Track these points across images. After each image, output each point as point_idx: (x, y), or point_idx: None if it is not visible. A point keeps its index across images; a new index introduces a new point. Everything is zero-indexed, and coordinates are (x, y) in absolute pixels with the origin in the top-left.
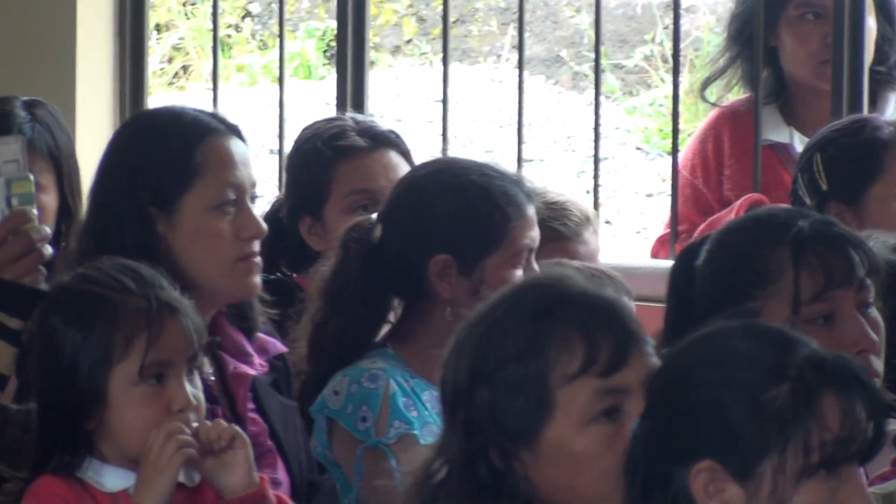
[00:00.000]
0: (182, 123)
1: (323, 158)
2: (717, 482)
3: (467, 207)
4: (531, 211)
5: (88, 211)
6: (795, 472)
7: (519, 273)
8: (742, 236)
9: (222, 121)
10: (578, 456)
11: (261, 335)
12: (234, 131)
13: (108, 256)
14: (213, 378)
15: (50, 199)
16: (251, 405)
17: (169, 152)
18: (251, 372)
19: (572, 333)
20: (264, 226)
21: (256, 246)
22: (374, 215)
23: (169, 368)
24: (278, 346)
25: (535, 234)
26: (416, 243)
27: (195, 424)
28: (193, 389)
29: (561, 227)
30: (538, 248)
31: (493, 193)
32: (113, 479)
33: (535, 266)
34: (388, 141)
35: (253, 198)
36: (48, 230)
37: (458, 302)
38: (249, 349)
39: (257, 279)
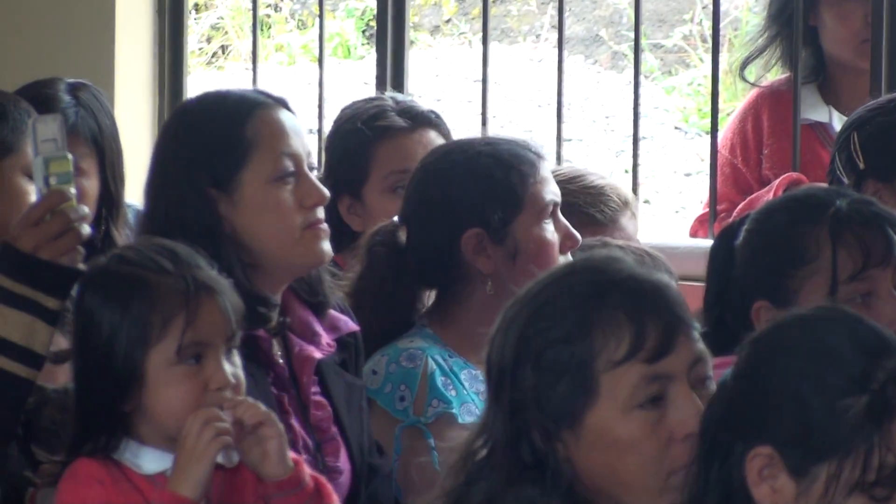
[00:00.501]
0: (228, 103)
1: (363, 138)
2: (772, 468)
3: (483, 176)
4: (545, 168)
5: (146, 206)
6: (849, 483)
7: (550, 228)
8: (780, 216)
9: (268, 95)
10: (621, 441)
11: (333, 312)
12: (282, 103)
13: (145, 236)
14: (281, 361)
15: (91, 184)
16: (316, 388)
17: (220, 132)
18: (316, 355)
19: (620, 318)
20: (326, 192)
21: (321, 213)
22: (396, 218)
23: (207, 348)
24: (350, 325)
25: (555, 188)
26: (443, 228)
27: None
28: (232, 368)
29: (597, 214)
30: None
31: (503, 157)
32: (150, 460)
33: (563, 219)
34: (429, 121)
35: (310, 167)
36: (86, 209)
37: (499, 273)
38: (317, 328)
39: (327, 245)
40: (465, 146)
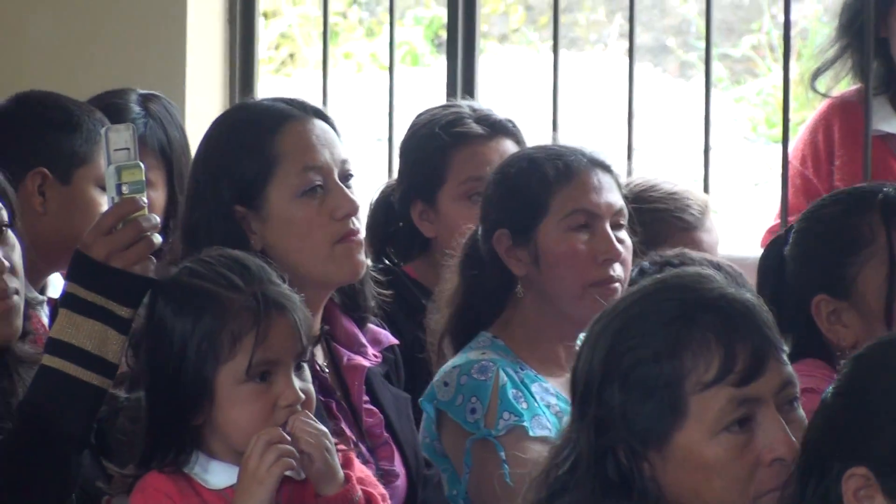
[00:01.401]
0: (255, 116)
1: (440, 144)
2: (869, 489)
3: (507, 179)
4: (595, 176)
5: (183, 218)
6: None
7: (577, 236)
8: (830, 209)
9: (300, 105)
10: (708, 463)
11: (372, 326)
12: (314, 113)
13: (216, 248)
14: (327, 370)
15: (158, 196)
16: (365, 397)
17: (245, 147)
18: (366, 363)
19: (710, 340)
20: (357, 202)
21: (355, 224)
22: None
23: (276, 366)
24: (390, 338)
25: (597, 198)
26: (487, 229)
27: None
28: (302, 383)
29: (688, 217)
30: (664, 238)
31: (532, 161)
32: (219, 475)
33: (610, 232)
34: (506, 129)
35: (345, 176)
36: (157, 218)
37: (530, 277)
38: (363, 339)
39: (361, 257)
40: (518, 153)
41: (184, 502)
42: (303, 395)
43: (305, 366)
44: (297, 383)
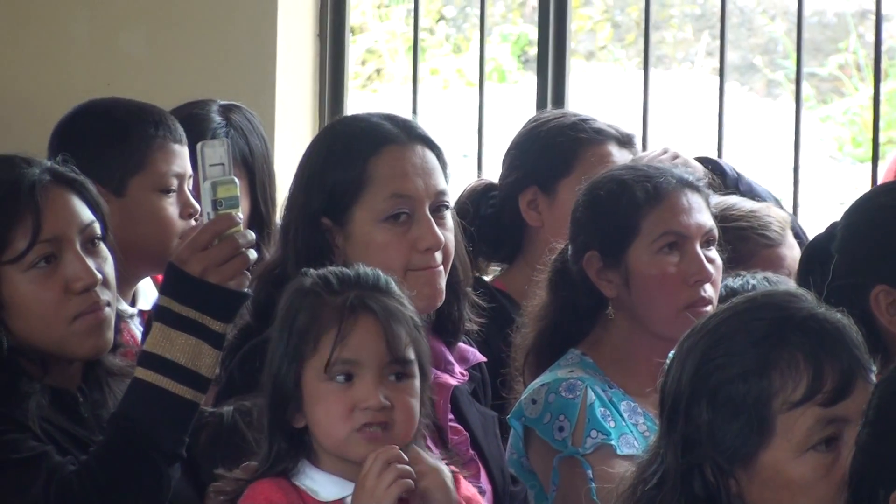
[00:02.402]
0: (358, 133)
1: (576, 134)
2: None
3: (597, 201)
4: (684, 197)
5: (281, 223)
6: None
7: (672, 260)
8: (880, 200)
9: (407, 129)
10: (794, 482)
11: (459, 344)
12: (420, 139)
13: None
14: None
15: (242, 205)
16: (451, 415)
17: (342, 162)
18: (452, 382)
19: (799, 359)
20: (442, 238)
21: (436, 259)
22: None
23: (358, 368)
24: (478, 356)
25: (687, 219)
26: (577, 250)
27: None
28: (398, 393)
29: (771, 234)
30: (749, 255)
31: (621, 183)
32: (329, 487)
33: (700, 253)
34: (632, 142)
35: (438, 207)
36: (253, 234)
37: (621, 298)
38: (450, 357)
39: (436, 288)
40: (607, 174)
41: None
42: (385, 402)
43: (412, 382)
44: (381, 390)
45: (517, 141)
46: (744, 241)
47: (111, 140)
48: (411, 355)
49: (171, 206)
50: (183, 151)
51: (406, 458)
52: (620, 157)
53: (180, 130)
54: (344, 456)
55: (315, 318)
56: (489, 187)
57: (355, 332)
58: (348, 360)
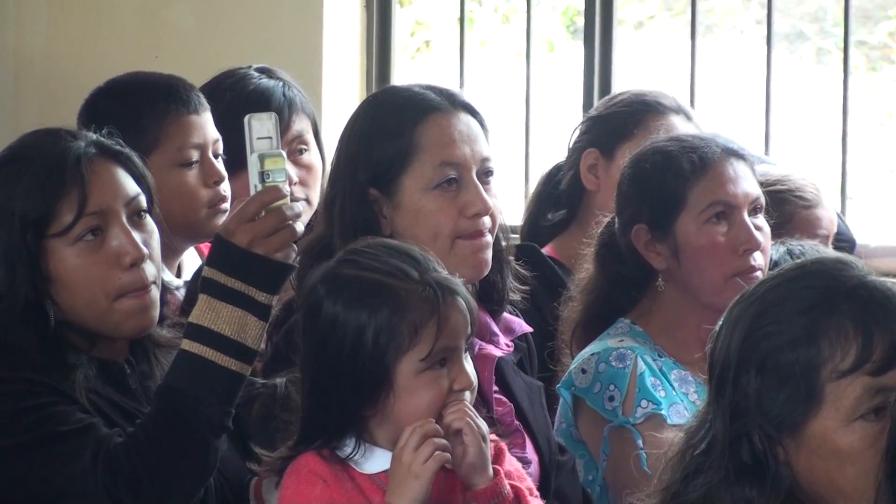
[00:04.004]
0: (402, 102)
1: (641, 106)
2: None
3: (643, 174)
4: (730, 166)
5: (325, 195)
6: None
7: (720, 230)
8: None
9: (449, 97)
10: (842, 451)
11: (505, 315)
12: (462, 107)
13: (372, 238)
14: None
15: (315, 158)
16: (495, 386)
17: (387, 132)
18: (496, 353)
19: (848, 328)
20: (490, 203)
21: (484, 224)
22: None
23: (453, 352)
24: (523, 326)
25: (734, 189)
26: (624, 223)
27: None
28: (471, 367)
29: (808, 195)
30: (790, 217)
31: (667, 155)
32: (372, 459)
33: (748, 221)
34: (688, 115)
35: (485, 173)
36: (300, 207)
37: (671, 270)
38: (495, 328)
39: (484, 256)
40: (651, 146)
41: (339, 486)
42: (475, 380)
43: (468, 352)
44: (468, 368)
45: (594, 109)
46: (781, 203)
47: (125, 121)
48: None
49: (193, 179)
50: (201, 120)
51: (442, 431)
52: (682, 126)
53: (197, 100)
54: None
55: (404, 310)
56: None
57: (450, 319)
58: (446, 348)
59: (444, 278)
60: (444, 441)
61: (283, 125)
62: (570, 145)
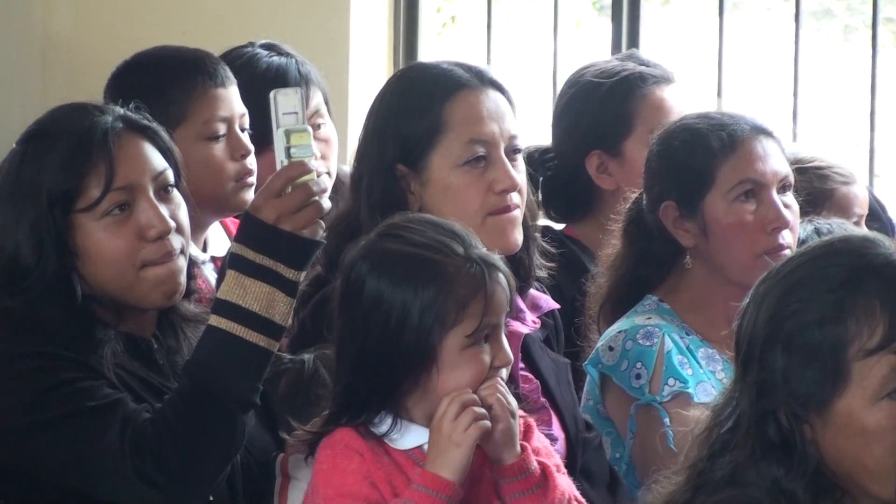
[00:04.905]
0: (430, 79)
1: (628, 89)
2: None
3: (671, 151)
4: (759, 143)
5: (352, 172)
6: None
7: (749, 208)
8: None
9: (477, 73)
10: (868, 430)
11: (532, 291)
12: (490, 83)
13: (412, 213)
14: None
15: (332, 132)
16: (521, 363)
17: (415, 108)
18: (523, 330)
19: (875, 306)
20: (518, 179)
21: (513, 199)
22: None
23: (495, 329)
24: (550, 303)
25: (763, 166)
26: (652, 199)
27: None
28: (507, 345)
29: (845, 171)
30: (829, 192)
31: (695, 132)
32: (406, 435)
33: (777, 200)
34: (672, 77)
35: (512, 150)
36: (327, 183)
37: (699, 247)
38: (522, 305)
39: (514, 234)
40: (680, 123)
41: (375, 460)
42: (511, 357)
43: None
44: (505, 345)
45: (565, 103)
46: (823, 179)
47: (151, 95)
48: None
49: (220, 152)
50: (228, 94)
51: (479, 401)
52: (671, 97)
53: (223, 74)
54: None
55: (451, 285)
56: (544, 151)
57: (496, 295)
58: (490, 324)
59: (487, 254)
60: (482, 410)
61: None
62: (556, 142)
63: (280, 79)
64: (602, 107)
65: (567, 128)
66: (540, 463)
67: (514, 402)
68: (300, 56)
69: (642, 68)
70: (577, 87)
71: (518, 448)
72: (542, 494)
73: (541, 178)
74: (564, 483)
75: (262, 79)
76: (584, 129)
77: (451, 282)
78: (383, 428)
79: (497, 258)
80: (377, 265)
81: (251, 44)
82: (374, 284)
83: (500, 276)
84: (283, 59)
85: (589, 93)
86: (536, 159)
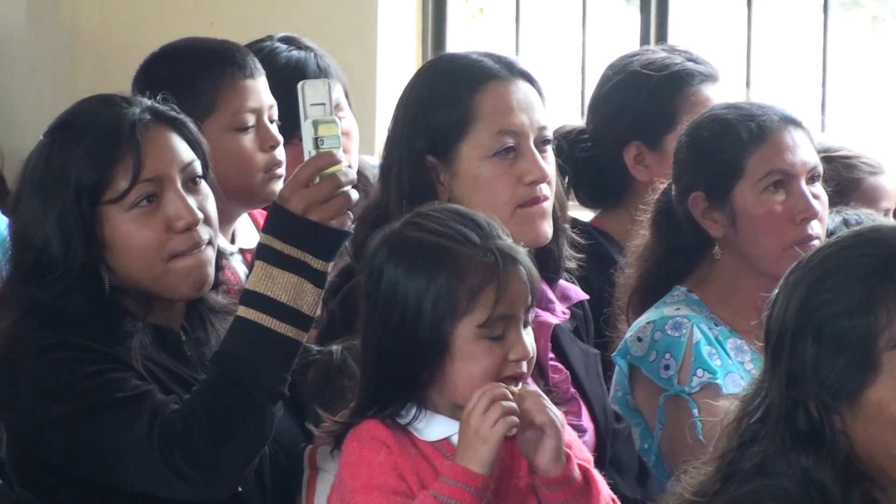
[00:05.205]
0: (460, 70)
1: (673, 83)
2: None
3: (700, 141)
4: (788, 134)
5: (382, 160)
6: None
7: (778, 198)
8: None
9: (507, 64)
10: None
11: (561, 282)
12: (520, 74)
13: (438, 203)
14: None
15: (353, 124)
16: (551, 354)
17: (445, 99)
18: (552, 320)
19: None
20: (547, 170)
21: (542, 191)
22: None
23: (510, 320)
24: (580, 294)
25: (792, 157)
26: (681, 190)
27: (518, 388)
28: (529, 339)
29: (873, 162)
30: (857, 182)
31: (725, 123)
32: (433, 426)
33: (806, 190)
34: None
35: (542, 141)
36: (355, 173)
37: (728, 238)
38: (551, 296)
39: (544, 225)
40: (709, 114)
41: (402, 452)
42: (532, 351)
43: (530, 323)
44: (526, 339)
45: (606, 94)
46: (850, 168)
47: (181, 85)
48: None
49: (249, 143)
50: (257, 85)
51: (510, 395)
52: (716, 96)
53: (253, 65)
54: None
55: (463, 274)
56: (580, 132)
57: (509, 287)
58: (505, 316)
59: (507, 245)
60: (512, 405)
61: None
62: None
63: (299, 73)
64: (649, 99)
65: (609, 114)
66: (581, 467)
67: (560, 417)
68: (319, 49)
69: (690, 64)
70: (625, 76)
71: (563, 459)
72: (586, 502)
73: (572, 160)
74: (600, 483)
75: (281, 73)
76: (629, 119)
77: (463, 270)
78: (404, 418)
79: (520, 251)
80: (395, 252)
81: (270, 37)
82: (391, 272)
83: (520, 269)
84: (302, 53)
85: (637, 83)
86: (571, 139)
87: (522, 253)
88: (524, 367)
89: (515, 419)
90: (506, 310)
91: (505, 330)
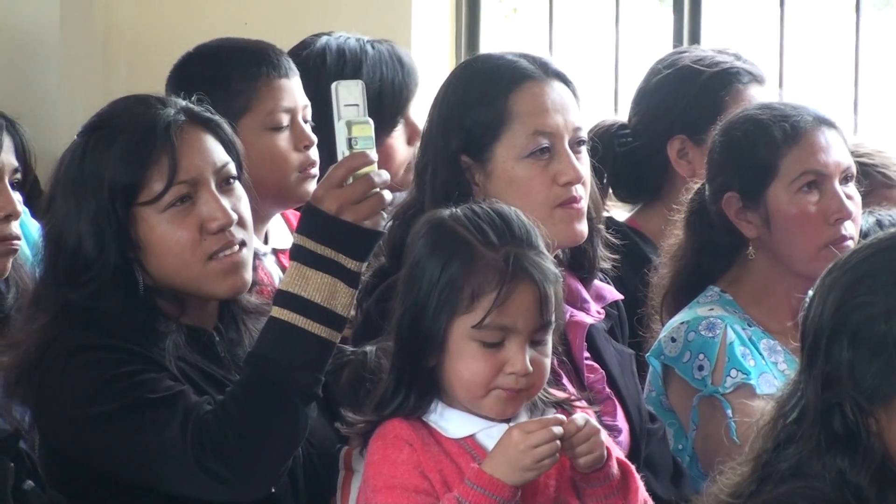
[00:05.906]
0: (495, 70)
1: (722, 79)
2: None
3: (734, 142)
4: (822, 135)
5: (417, 160)
6: None
7: (811, 199)
8: None
9: (542, 65)
10: None
11: (596, 282)
12: (555, 75)
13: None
14: None
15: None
16: (586, 353)
17: (480, 99)
18: (588, 320)
19: None
20: (581, 171)
21: (577, 191)
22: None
23: (511, 332)
24: (614, 294)
25: (826, 158)
26: (715, 190)
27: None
28: (538, 355)
29: (891, 174)
30: (867, 190)
31: (758, 123)
32: (457, 424)
33: (840, 191)
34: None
35: (577, 142)
36: (387, 174)
37: (762, 238)
38: (585, 296)
39: (579, 226)
40: (742, 114)
41: (425, 450)
42: (531, 368)
43: (549, 341)
44: (528, 355)
45: (654, 86)
46: (864, 176)
47: (215, 85)
48: (553, 315)
49: (284, 143)
50: (291, 85)
51: (558, 434)
52: (762, 97)
53: (287, 65)
54: (476, 410)
55: (471, 272)
56: (621, 126)
57: (513, 298)
58: (503, 326)
59: (531, 259)
60: (557, 445)
61: None
62: (638, 122)
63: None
64: (699, 93)
65: (656, 106)
66: (619, 461)
67: (600, 429)
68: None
69: (739, 64)
70: (675, 69)
71: (604, 452)
72: (623, 497)
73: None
74: (637, 479)
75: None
76: (677, 112)
77: (473, 267)
78: (429, 415)
79: (545, 270)
80: (430, 231)
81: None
82: (420, 247)
83: (531, 284)
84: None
85: (688, 77)
86: (612, 133)
87: (546, 272)
88: (523, 382)
89: (558, 455)
90: (504, 320)
91: (505, 340)
